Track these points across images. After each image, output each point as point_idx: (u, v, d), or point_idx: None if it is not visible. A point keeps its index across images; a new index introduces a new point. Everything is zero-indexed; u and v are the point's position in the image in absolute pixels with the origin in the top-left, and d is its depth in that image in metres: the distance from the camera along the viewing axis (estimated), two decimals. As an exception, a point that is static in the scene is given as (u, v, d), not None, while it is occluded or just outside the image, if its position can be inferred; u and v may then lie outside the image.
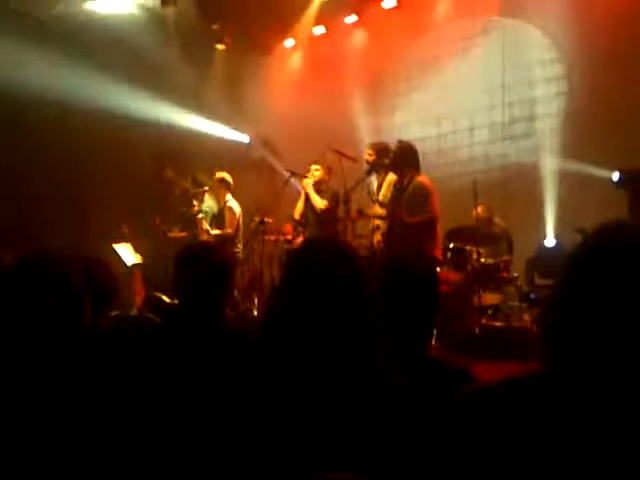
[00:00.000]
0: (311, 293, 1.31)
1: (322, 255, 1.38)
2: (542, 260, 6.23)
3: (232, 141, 9.27)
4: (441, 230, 5.49)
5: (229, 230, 6.64)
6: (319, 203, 5.94)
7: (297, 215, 6.16)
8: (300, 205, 6.18)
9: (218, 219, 6.82)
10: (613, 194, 5.48)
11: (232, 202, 6.77)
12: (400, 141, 5.37)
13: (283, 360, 1.28)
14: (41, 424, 1.34)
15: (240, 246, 6.75)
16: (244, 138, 9.49)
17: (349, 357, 1.27)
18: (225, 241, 6.48)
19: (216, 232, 6.64)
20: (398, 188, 5.06)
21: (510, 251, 6.50)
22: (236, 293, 6.50)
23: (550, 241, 6.66)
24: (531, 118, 7.51)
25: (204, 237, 6.57)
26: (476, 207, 6.17)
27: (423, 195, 4.94)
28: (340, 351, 1.27)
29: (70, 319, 1.71)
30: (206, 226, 6.65)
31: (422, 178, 5.06)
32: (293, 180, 6.53)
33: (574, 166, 6.61)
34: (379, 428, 1.22)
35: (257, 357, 1.35)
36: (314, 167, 6.10)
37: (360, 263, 1.39)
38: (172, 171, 7.51)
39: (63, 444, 1.34)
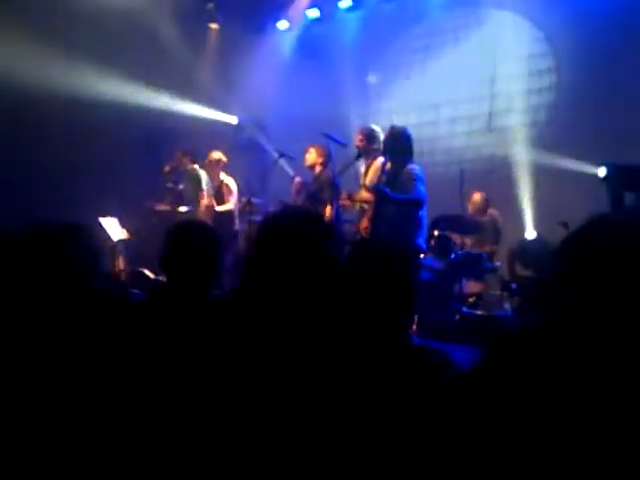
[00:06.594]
0: (280, 254, 1.33)
1: (291, 219, 1.41)
2: (523, 252, 6.27)
3: (222, 122, 9.20)
4: (429, 219, 5.44)
5: (231, 206, 6.60)
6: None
7: None
8: None
9: (216, 197, 6.78)
10: (594, 188, 5.49)
11: (228, 179, 6.75)
12: (393, 126, 5.11)
13: (255, 319, 1.31)
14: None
15: (237, 222, 6.73)
16: (233, 120, 9.40)
17: (319, 318, 1.32)
18: (225, 217, 6.44)
19: (221, 208, 6.59)
20: (389, 174, 4.89)
21: (497, 241, 6.55)
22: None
23: (531, 234, 6.71)
24: (519, 110, 7.53)
25: (203, 211, 6.46)
26: (465, 195, 6.14)
27: (412, 180, 4.84)
28: (309, 311, 1.31)
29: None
30: (212, 201, 6.56)
31: (414, 166, 4.93)
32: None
33: (558, 160, 6.67)
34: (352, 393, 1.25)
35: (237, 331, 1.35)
36: (309, 151, 5.96)
37: (327, 228, 1.38)
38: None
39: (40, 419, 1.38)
